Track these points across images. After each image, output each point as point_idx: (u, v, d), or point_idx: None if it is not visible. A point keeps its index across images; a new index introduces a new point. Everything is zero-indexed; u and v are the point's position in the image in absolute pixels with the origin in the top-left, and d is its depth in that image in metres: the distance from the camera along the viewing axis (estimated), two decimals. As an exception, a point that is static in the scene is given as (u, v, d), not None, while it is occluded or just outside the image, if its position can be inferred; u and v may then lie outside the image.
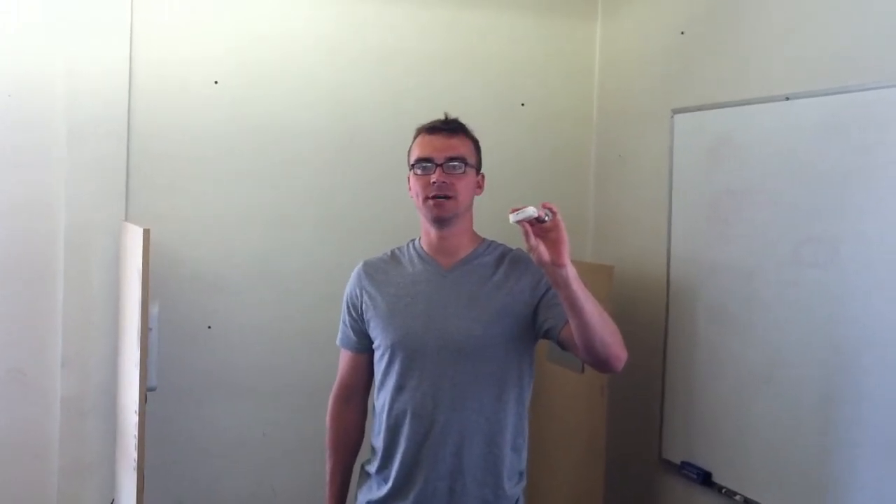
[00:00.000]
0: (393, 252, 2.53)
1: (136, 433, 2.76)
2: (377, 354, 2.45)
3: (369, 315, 2.45)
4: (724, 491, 3.11)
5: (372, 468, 2.47)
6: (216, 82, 3.54)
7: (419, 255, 2.46)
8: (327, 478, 2.59)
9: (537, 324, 2.38)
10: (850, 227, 2.65)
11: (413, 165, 2.39)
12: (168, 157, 3.51)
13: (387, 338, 2.40)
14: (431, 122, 2.44)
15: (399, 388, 2.38)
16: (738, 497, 3.04)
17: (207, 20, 3.55)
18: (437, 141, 2.38)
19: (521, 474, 2.45)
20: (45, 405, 3.41)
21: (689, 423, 3.30)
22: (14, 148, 3.37)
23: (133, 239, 2.94)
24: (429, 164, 2.35)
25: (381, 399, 2.44)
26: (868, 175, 2.60)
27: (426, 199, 2.34)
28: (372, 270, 2.50)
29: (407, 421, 2.37)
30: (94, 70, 3.39)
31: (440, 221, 2.39)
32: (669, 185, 3.44)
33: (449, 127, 2.42)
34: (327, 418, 2.59)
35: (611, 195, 3.95)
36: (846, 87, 2.69)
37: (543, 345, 3.77)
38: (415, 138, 2.45)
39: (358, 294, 2.49)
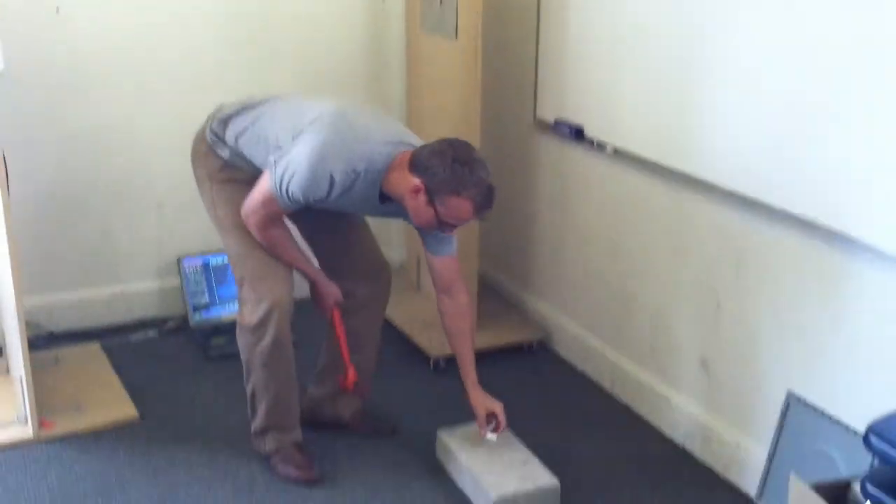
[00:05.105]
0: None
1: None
2: None
3: None
4: (595, 144, 3.18)
5: None
6: None
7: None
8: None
9: None
10: None
11: (449, 222, 2.50)
12: None
13: None
14: (485, 204, 2.46)
15: None
16: (608, 147, 3.12)
17: None
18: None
19: None
20: None
21: (563, 83, 3.31)
22: None
23: None
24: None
25: None
26: None
27: (440, 227, 2.53)
28: None
29: None
30: None
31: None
32: None
33: None
34: None
35: None
36: None
37: (415, 13, 3.66)
38: (463, 197, 2.43)
39: None
